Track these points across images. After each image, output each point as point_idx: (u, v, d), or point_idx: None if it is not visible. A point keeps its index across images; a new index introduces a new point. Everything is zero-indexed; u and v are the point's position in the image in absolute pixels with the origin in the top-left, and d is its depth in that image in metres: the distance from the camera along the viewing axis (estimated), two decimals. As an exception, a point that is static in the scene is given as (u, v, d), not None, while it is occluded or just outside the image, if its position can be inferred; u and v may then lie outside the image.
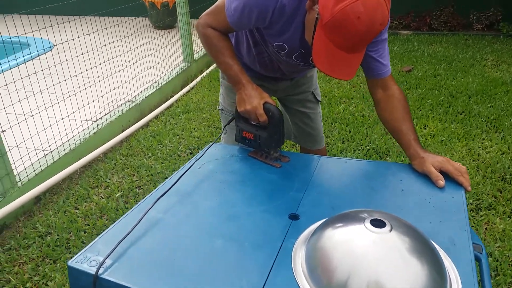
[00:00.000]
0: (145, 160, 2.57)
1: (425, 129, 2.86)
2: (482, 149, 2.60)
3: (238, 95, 1.24)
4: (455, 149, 2.58)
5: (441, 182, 1.08)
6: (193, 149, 2.71)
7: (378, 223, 0.81)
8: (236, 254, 0.89)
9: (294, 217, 1.01)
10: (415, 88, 3.58)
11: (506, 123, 2.89)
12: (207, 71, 4.34)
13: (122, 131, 2.88)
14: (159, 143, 2.79)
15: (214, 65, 4.53)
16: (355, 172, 1.22)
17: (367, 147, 2.63)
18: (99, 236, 0.94)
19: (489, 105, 3.21)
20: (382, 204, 1.05)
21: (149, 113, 3.21)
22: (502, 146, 2.59)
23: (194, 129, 3.00)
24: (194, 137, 2.86)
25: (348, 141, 2.73)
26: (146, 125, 3.09)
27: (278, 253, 0.89)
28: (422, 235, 0.82)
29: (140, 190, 2.27)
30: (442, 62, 4.26)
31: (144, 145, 2.75)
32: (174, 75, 3.77)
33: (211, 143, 1.41)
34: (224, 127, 1.46)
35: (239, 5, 1.12)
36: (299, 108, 1.66)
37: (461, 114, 3.08)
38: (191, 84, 3.91)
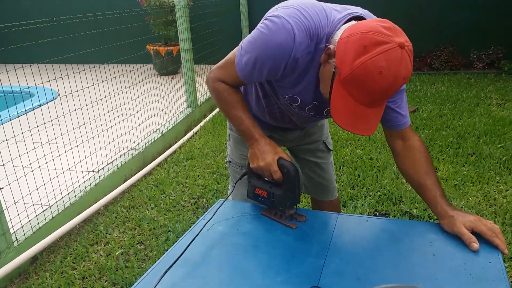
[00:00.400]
0: (147, 212, 2.47)
1: (437, 172, 2.76)
2: (498, 193, 2.49)
3: (251, 150, 1.17)
4: (470, 194, 2.48)
5: (475, 245, 0.99)
6: (197, 198, 2.61)
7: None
8: None
9: (315, 290, 0.90)
10: (421, 129, 3.53)
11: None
12: (210, 115, 4.32)
13: (124, 181, 2.79)
14: (162, 193, 2.70)
15: (217, 110, 4.53)
16: (379, 233, 1.12)
17: (378, 192, 2.53)
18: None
19: (499, 145, 3.14)
20: (412, 272, 0.94)
21: (152, 161, 3.14)
22: (518, 190, 2.49)
23: (198, 176, 2.91)
24: (199, 185, 2.77)
25: (358, 186, 2.64)
26: (149, 173, 3.01)
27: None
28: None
29: (141, 246, 2.15)
30: (446, 102, 4.24)
31: (147, 196, 2.66)
32: (177, 121, 3.74)
33: (220, 200, 1.33)
34: (235, 183, 1.38)
35: (250, 59, 1.07)
36: (310, 158, 1.58)
37: (471, 156, 3.00)
38: (195, 129, 3.87)
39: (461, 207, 2.33)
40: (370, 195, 2.51)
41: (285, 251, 1.04)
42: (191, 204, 2.55)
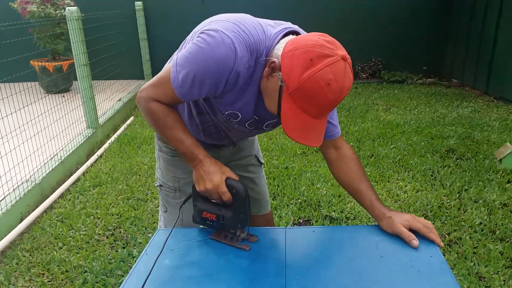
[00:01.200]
0: (55, 253, 2.17)
1: (346, 175, 2.97)
2: (399, 189, 2.78)
3: (195, 172, 1.11)
4: (377, 193, 2.71)
5: (415, 242, 1.07)
6: (113, 230, 2.39)
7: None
8: None
9: (284, 311, 0.88)
10: (326, 136, 3.78)
11: (411, 162, 3.17)
12: (115, 135, 4.03)
13: (21, 220, 2.43)
14: (70, 228, 2.41)
15: (122, 129, 4.25)
16: (327, 242, 1.15)
17: (299, 200, 2.63)
18: None
19: (391, 146, 3.52)
20: (366, 275, 0.98)
21: (52, 193, 2.79)
22: (415, 185, 2.81)
23: (111, 204, 2.68)
24: (113, 215, 2.54)
25: (279, 195, 2.70)
26: (50, 207, 2.67)
27: None
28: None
29: (55, 292, 1.88)
30: (341, 110, 4.62)
31: (51, 234, 2.34)
32: (77, 145, 3.39)
33: (159, 230, 1.23)
34: (180, 207, 1.28)
35: (188, 76, 1.01)
36: (242, 173, 1.55)
37: (371, 158, 3.30)
38: (98, 152, 3.56)
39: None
40: (292, 203, 2.58)
41: (242, 275, 1.00)
42: (107, 237, 2.32)
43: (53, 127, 3.30)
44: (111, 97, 4.70)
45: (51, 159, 3.09)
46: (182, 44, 1.22)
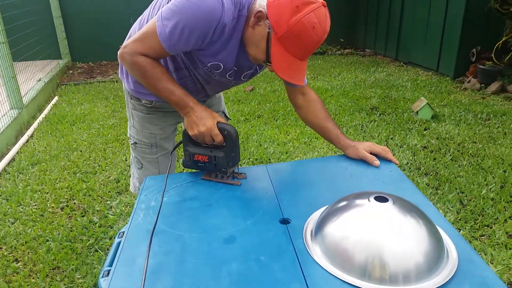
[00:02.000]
0: (8, 227, 2.07)
1: (289, 135, 3.19)
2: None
3: (187, 118, 1.17)
4: (318, 147, 2.98)
5: (377, 162, 1.28)
6: (67, 201, 2.32)
7: (380, 200, 0.91)
8: (259, 272, 0.84)
9: (285, 221, 1.02)
10: (264, 103, 3.96)
11: (343, 120, 3.49)
12: (42, 115, 3.78)
13: (-41, 202, 2.25)
14: (19, 205, 2.29)
15: (48, 108, 3.99)
16: (305, 171, 1.30)
17: (250, 159, 2.78)
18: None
19: (342, 99, 3.81)
20: (343, 190, 1.15)
21: (-14, 174, 2.60)
22: (350, 137, 3.12)
23: (57, 180, 2.57)
24: (62, 188, 2.46)
25: (229, 158, 2.82)
26: (-12, 188, 2.49)
27: (296, 254, 0.89)
28: (413, 204, 0.95)
29: (19, 263, 1.82)
30: (274, 80, 4.83)
31: (-1, 212, 2.22)
32: (5, 126, 3.14)
33: (147, 178, 1.28)
34: (172, 152, 1.35)
35: (176, 28, 1.05)
36: None
37: (307, 119, 3.56)
38: (28, 132, 3.34)
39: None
40: (244, 162, 2.73)
41: (239, 202, 1.12)
42: (61, 209, 2.26)
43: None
44: (30, 78, 4.35)
45: (-23, 141, 2.84)
46: (155, 1, 1.26)
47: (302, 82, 1.15)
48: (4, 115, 3.33)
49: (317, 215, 1.01)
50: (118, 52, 1.18)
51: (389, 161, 1.30)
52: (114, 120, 3.67)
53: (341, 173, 1.26)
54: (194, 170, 1.27)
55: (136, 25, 1.34)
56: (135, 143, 1.48)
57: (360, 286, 0.80)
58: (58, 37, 5.71)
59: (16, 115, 3.41)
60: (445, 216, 2.12)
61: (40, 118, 3.70)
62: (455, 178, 2.47)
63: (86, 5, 5.83)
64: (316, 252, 0.90)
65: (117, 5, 5.84)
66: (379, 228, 0.86)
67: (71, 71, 5.63)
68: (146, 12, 1.31)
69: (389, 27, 6.03)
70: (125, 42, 1.18)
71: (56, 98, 4.38)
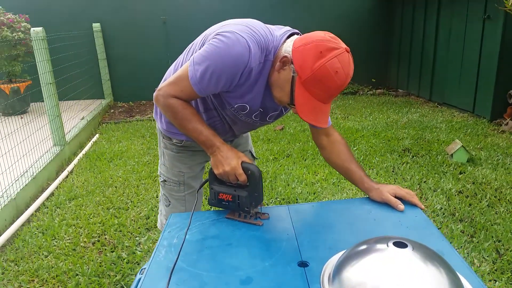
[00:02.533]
0: (41, 261, 2.16)
1: (317, 175, 3.18)
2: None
3: (213, 157, 1.22)
4: (347, 188, 2.94)
5: (401, 206, 1.25)
6: (99, 237, 2.40)
7: (399, 245, 0.89)
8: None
9: (303, 264, 1.02)
10: (293, 142, 3.99)
11: (373, 161, 3.45)
12: (83, 151, 3.99)
13: (0, 235, 2.37)
14: (54, 238, 2.39)
15: (89, 146, 4.21)
16: (327, 213, 1.30)
17: (277, 199, 2.78)
18: None
19: (354, 148, 3.79)
20: (365, 234, 1.14)
21: (27, 208, 2.74)
22: (380, 179, 3.07)
23: (91, 215, 2.68)
24: (95, 224, 2.55)
25: (256, 198, 2.83)
26: (28, 221, 2.62)
27: (313, 300, 0.88)
28: (433, 251, 0.93)
29: (49, 297, 1.88)
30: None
31: (35, 244, 2.32)
32: (47, 161, 3.34)
33: (172, 215, 1.32)
34: (198, 190, 1.40)
35: (206, 72, 1.13)
36: None
37: (337, 159, 3.54)
38: (69, 168, 3.52)
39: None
40: (271, 202, 2.73)
41: (259, 243, 1.13)
42: (93, 244, 2.33)
43: (18, 148, 3.21)
44: (73, 117, 4.64)
45: (22, 176, 3.03)
46: (189, 47, 1.35)
47: (326, 124, 1.17)
48: (47, 151, 3.54)
49: (335, 259, 1.00)
50: (154, 94, 1.27)
51: (414, 205, 1.28)
52: (149, 157, 3.81)
53: (363, 216, 1.25)
54: (218, 208, 1.30)
55: (171, 68, 1.44)
56: (165, 180, 1.54)
57: (376, 336, 0.78)
58: (102, 78, 6.10)
59: (58, 151, 3.62)
60: (480, 266, 2.01)
61: (80, 155, 3.90)
62: (492, 225, 2.35)
63: (129, 49, 6.24)
64: (333, 297, 0.89)
65: (157, 49, 6.21)
66: (396, 275, 0.84)
67: (112, 110, 5.95)
68: (180, 57, 1.41)
69: (422, 66, 6.00)
70: (160, 85, 1.27)
71: (97, 135, 4.62)
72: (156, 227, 2.48)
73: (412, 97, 6.25)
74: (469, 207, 2.59)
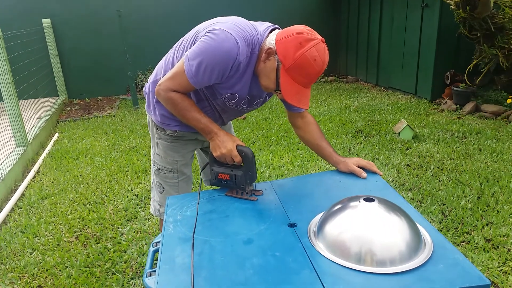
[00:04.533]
0: (28, 257, 2.22)
1: (282, 159, 3.42)
2: (326, 164, 3.31)
3: (212, 142, 1.39)
4: (311, 169, 3.21)
5: (364, 174, 1.50)
6: (80, 231, 2.48)
7: (368, 200, 1.13)
8: (276, 264, 1.05)
9: (292, 225, 1.23)
10: (257, 130, 4.21)
11: (331, 143, 3.72)
12: (46, 151, 3.96)
13: (-23, 236, 2.38)
14: (35, 236, 2.44)
15: (51, 145, 4.16)
16: (304, 184, 1.52)
17: (248, 183, 2.98)
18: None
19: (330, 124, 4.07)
20: (338, 198, 1.36)
21: (0, 210, 2.74)
22: (338, 159, 3.36)
23: (68, 211, 2.73)
24: (74, 219, 2.61)
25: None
26: (4, 222, 2.63)
27: (304, 249, 1.10)
28: (395, 204, 1.18)
29: (43, 289, 1.97)
30: (265, 108, 5.11)
31: (17, 243, 2.36)
32: (12, 163, 3.30)
33: (170, 197, 1.48)
34: (201, 170, 1.57)
35: (200, 66, 1.29)
36: None
37: (299, 143, 3.81)
38: (35, 168, 3.50)
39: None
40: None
41: (252, 212, 1.32)
42: (76, 238, 2.41)
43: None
44: (31, 116, 4.54)
45: (-12, 178, 2.99)
46: (179, 43, 1.50)
47: (307, 106, 1.35)
48: (11, 152, 3.49)
49: (317, 218, 1.22)
50: (155, 89, 1.42)
51: (374, 173, 1.53)
52: (116, 153, 3.86)
53: (334, 184, 1.48)
54: (210, 189, 1.48)
55: (161, 62, 1.58)
56: (159, 169, 1.68)
57: (357, 269, 1.01)
58: (55, 75, 5.94)
59: (22, 152, 3.58)
60: (429, 224, 2.34)
61: (44, 154, 3.86)
62: (436, 192, 2.71)
63: (82, 44, 6.12)
64: (320, 246, 1.11)
65: (112, 43, 6.14)
66: (368, 224, 1.08)
67: (68, 108, 5.83)
68: (170, 53, 1.54)
69: (368, 54, 6.43)
70: (160, 80, 1.41)
71: (57, 134, 4.56)
72: (137, 217, 2.60)
73: (361, 82, 6.68)
74: (416, 177, 2.95)
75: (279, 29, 1.40)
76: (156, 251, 1.29)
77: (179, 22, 6.33)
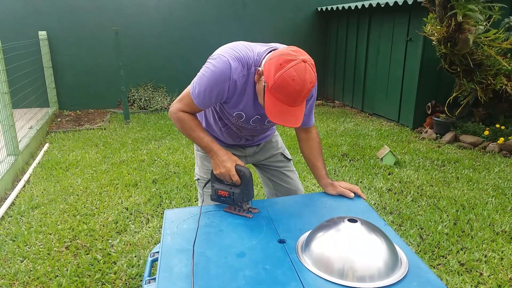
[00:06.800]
0: (19, 265, 2.25)
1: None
2: (313, 185, 3.44)
3: (213, 161, 1.50)
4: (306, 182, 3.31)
5: (352, 194, 1.61)
6: (70, 242, 2.53)
7: (352, 221, 1.25)
8: (266, 276, 1.15)
9: (281, 241, 1.34)
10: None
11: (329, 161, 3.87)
12: (36, 161, 3.98)
13: (-32, 243, 2.41)
14: (26, 245, 2.48)
15: (41, 155, 4.19)
16: (293, 205, 1.64)
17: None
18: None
19: (300, 154, 4.20)
20: (324, 219, 1.49)
21: (-11, 217, 2.77)
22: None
23: (58, 221, 2.78)
24: (64, 230, 2.66)
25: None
26: (-7, 230, 2.66)
27: (292, 263, 1.21)
28: (375, 225, 1.30)
29: (33, 297, 2.01)
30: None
31: (8, 251, 2.39)
32: (3, 172, 3.33)
33: (166, 210, 1.58)
34: (203, 188, 1.65)
35: (201, 88, 1.43)
36: (274, 168, 1.90)
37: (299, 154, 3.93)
38: (25, 178, 3.53)
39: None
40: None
41: (244, 228, 1.43)
42: (66, 248, 2.46)
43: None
44: (22, 126, 4.58)
45: (-22, 185, 3.02)
46: None
47: (296, 125, 1.35)
48: (2, 161, 3.52)
49: (305, 236, 1.34)
50: (169, 111, 1.57)
51: (358, 196, 1.65)
52: (106, 166, 3.91)
53: (322, 206, 1.60)
54: (208, 204, 1.58)
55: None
56: (198, 179, 1.80)
57: (339, 283, 1.12)
58: (48, 87, 5.99)
59: (13, 161, 3.61)
60: (407, 247, 2.47)
61: (34, 164, 3.89)
62: (415, 216, 2.86)
63: (77, 57, 6.20)
64: (307, 261, 1.22)
65: (107, 57, 6.24)
66: (351, 243, 1.19)
67: (59, 119, 5.86)
68: None
69: (355, 81, 6.68)
70: (173, 103, 1.55)
71: (47, 145, 4.59)
72: (127, 230, 2.66)
73: (347, 107, 6.90)
74: (397, 202, 3.10)
75: None
76: (154, 260, 1.38)
77: (172, 40, 6.50)
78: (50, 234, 2.61)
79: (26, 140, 4.22)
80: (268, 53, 1.45)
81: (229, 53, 1.42)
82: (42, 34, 5.80)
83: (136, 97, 6.52)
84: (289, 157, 1.96)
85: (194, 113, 1.54)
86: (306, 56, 1.30)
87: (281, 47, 1.48)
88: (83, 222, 2.77)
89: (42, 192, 3.28)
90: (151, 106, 6.41)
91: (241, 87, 1.46)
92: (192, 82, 1.48)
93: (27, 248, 2.44)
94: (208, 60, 1.45)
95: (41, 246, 2.47)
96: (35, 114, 5.27)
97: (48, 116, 5.52)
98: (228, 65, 1.40)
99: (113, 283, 2.12)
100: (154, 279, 1.17)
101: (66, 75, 6.23)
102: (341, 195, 1.66)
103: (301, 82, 1.26)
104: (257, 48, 1.48)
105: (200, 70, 1.46)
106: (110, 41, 5.99)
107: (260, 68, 1.38)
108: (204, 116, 1.73)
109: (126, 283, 2.12)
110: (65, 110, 6.30)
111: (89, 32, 6.19)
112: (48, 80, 5.97)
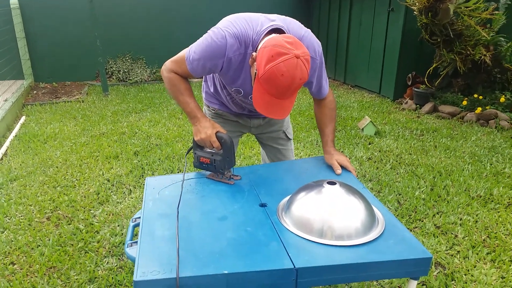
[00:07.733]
0: (-1, 236, 2.23)
1: (253, 150, 3.55)
2: (296, 155, 3.47)
3: (194, 127, 1.48)
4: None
5: (339, 171, 1.58)
6: (51, 212, 2.51)
7: (331, 184, 1.28)
8: (248, 237, 1.17)
9: (263, 205, 1.36)
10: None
11: (300, 136, 3.91)
12: (13, 133, 3.88)
13: None
14: (5, 216, 2.44)
15: (17, 127, 4.09)
16: (275, 171, 1.65)
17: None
18: (138, 256, 1.06)
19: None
20: (306, 182, 1.52)
21: (-34, 190, 2.71)
22: (306, 151, 3.53)
23: (38, 193, 2.74)
24: (45, 201, 2.63)
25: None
26: (-29, 203, 2.61)
27: (273, 225, 1.23)
28: (354, 188, 1.33)
29: (15, 266, 2.00)
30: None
31: (-14, 223, 2.36)
32: (-22, 144, 3.25)
33: (147, 178, 1.57)
34: (186, 155, 1.63)
35: (195, 57, 1.40)
36: (272, 144, 1.90)
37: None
38: (2, 150, 3.44)
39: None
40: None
41: (226, 193, 1.45)
42: (47, 219, 2.44)
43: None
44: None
45: (-47, 158, 2.94)
46: None
47: (281, 117, 1.32)
48: (-24, 134, 3.43)
49: (286, 199, 1.36)
50: (161, 69, 1.54)
51: (349, 171, 1.60)
52: (86, 138, 3.85)
53: (303, 172, 1.62)
54: (192, 171, 1.58)
55: None
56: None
57: (318, 242, 1.16)
58: (22, 58, 5.77)
59: (-13, 134, 3.51)
60: (385, 212, 2.55)
61: (11, 137, 3.80)
62: (394, 183, 2.93)
63: (51, 28, 5.96)
64: (287, 223, 1.24)
65: (83, 28, 6.02)
66: (330, 204, 1.22)
67: (35, 92, 5.69)
68: None
69: (337, 54, 6.66)
70: (166, 61, 1.51)
71: (23, 117, 4.47)
72: (109, 200, 2.65)
73: (330, 80, 6.90)
74: (376, 170, 3.17)
75: (280, 30, 1.38)
76: (136, 225, 1.39)
77: (150, 10, 6.29)
78: (31, 206, 2.58)
79: (1, 113, 4.10)
80: (267, 34, 1.36)
81: (228, 28, 1.36)
82: (14, 2, 5.53)
83: (114, 69, 6.35)
84: (290, 136, 1.94)
85: (185, 77, 1.50)
86: (301, 50, 1.23)
87: (281, 26, 1.39)
88: (64, 194, 2.74)
89: (20, 165, 3.21)
90: (131, 78, 6.27)
91: (237, 64, 1.42)
92: (190, 46, 1.44)
93: (7, 220, 2.41)
94: (208, 31, 1.40)
95: (22, 217, 2.44)
96: (10, 87, 5.10)
97: (23, 88, 5.35)
98: (224, 41, 1.35)
99: (96, 251, 2.13)
100: (136, 242, 1.18)
101: (40, 46, 6.00)
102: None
103: (289, 79, 1.21)
104: (258, 25, 1.39)
105: (200, 38, 1.41)
106: (84, 10, 5.76)
107: (254, 54, 1.31)
108: (213, 81, 1.71)
109: (110, 251, 2.13)
110: (40, 83, 6.11)
111: (63, 0, 5.94)
112: (22, 51, 5.75)
